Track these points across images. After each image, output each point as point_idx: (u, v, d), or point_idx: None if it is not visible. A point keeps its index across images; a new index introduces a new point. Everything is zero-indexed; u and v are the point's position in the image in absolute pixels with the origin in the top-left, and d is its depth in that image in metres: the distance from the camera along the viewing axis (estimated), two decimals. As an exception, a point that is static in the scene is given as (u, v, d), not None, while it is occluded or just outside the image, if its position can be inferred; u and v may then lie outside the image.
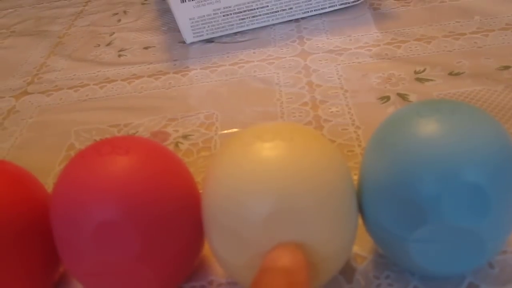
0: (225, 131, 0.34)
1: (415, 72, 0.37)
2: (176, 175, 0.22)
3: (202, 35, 0.46)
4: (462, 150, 0.19)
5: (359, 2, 0.47)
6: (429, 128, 0.20)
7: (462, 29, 0.42)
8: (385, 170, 0.20)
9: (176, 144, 0.34)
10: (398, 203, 0.20)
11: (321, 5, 0.47)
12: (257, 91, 0.38)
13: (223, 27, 0.46)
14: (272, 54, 0.42)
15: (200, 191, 0.22)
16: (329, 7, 0.47)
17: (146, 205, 0.21)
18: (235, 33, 0.46)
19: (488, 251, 0.21)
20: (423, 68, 0.37)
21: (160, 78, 0.42)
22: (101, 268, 0.21)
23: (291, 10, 0.46)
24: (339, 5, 0.47)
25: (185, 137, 0.34)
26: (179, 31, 0.46)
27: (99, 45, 0.50)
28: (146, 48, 0.48)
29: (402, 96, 0.35)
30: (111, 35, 0.52)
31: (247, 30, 0.46)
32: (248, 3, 0.45)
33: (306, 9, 0.47)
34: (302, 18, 0.47)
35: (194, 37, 0.46)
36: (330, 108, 0.34)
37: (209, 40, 0.46)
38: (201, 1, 0.44)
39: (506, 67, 0.36)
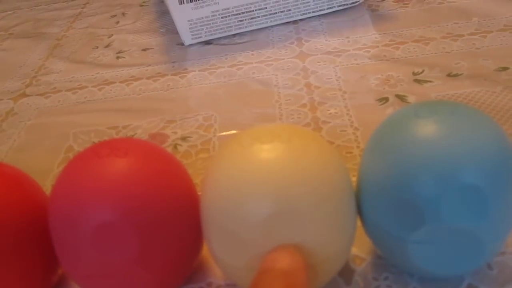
0: (224, 133, 0.34)
1: (414, 74, 0.37)
2: (175, 177, 0.22)
3: (200, 37, 0.46)
4: (460, 151, 0.19)
5: (357, 3, 0.47)
6: (427, 129, 0.20)
7: (461, 30, 0.42)
8: (383, 172, 0.20)
9: (175, 146, 0.34)
10: (397, 204, 0.20)
11: (320, 6, 0.47)
12: (255, 93, 0.38)
13: (221, 29, 0.46)
14: (271, 55, 0.42)
15: (199, 193, 0.22)
16: (328, 8, 0.47)
17: (144, 207, 0.20)
18: (234, 35, 0.46)
19: (486, 252, 0.21)
20: (421, 70, 0.37)
21: (158, 80, 0.42)
22: (100, 270, 0.21)
23: (289, 11, 0.46)
24: (337, 6, 0.47)
25: (183, 139, 0.34)
26: (177, 33, 0.46)
27: (97, 47, 0.50)
28: (144, 50, 0.48)
29: (401, 98, 0.35)
30: (109, 37, 0.52)
31: (245, 32, 0.46)
32: (247, 5, 0.45)
33: (304, 10, 0.47)
34: (301, 20, 0.47)
35: (192, 39, 0.46)
36: (328, 110, 0.34)
37: (208, 42, 0.46)
38: (200, 3, 0.44)
39: (505, 68, 0.36)
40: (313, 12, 0.47)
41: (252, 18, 0.46)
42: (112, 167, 0.21)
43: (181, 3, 0.43)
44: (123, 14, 0.57)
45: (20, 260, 0.22)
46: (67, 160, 0.33)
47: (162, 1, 0.57)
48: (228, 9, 0.45)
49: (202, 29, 0.45)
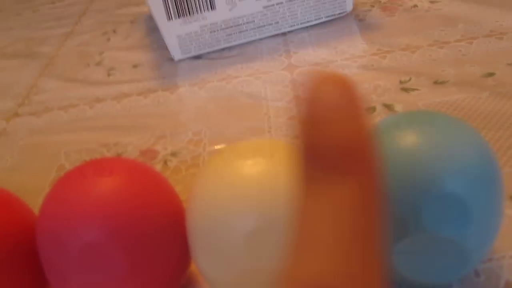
0: (213, 148, 0.34)
1: (401, 82, 0.37)
2: (161, 194, 0.22)
3: (190, 52, 0.46)
4: (441, 161, 0.19)
5: (344, 13, 0.48)
6: (407, 140, 0.20)
7: (447, 37, 0.42)
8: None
9: (165, 162, 0.34)
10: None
11: (307, 18, 0.47)
12: (244, 106, 0.38)
13: (210, 43, 0.46)
14: (259, 68, 0.43)
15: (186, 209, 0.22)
16: (315, 20, 0.47)
17: (130, 225, 0.21)
18: (223, 49, 0.47)
19: (472, 260, 0.21)
20: (408, 78, 0.38)
21: (149, 96, 0.42)
22: (88, 289, 0.21)
23: (277, 24, 0.47)
24: (325, 17, 0.48)
25: (173, 154, 0.34)
26: (167, 49, 0.46)
27: (88, 65, 0.50)
28: (135, 66, 0.48)
29: (388, 107, 0.35)
30: (100, 54, 0.52)
31: (234, 45, 0.47)
32: (235, 18, 0.45)
33: (292, 22, 0.47)
34: (289, 32, 0.48)
35: (182, 54, 0.46)
36: (317, 121, 0.35)
37: (197, 57, 0.47)
38: (188, 19, 0.44)
39: (490, 74, 0.36)
40: (301, 23, 0.47)
41: (240, 32, 0.46)
42: (98, 186, 0.21)
43: (170, 19, 0.44)
44: (114, 31, 0.57)
45: (10, 280, 0.22)
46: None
47: (152, 17, 0.57)
48: (216, 23, 0.45)
49: (191, 44, 0.46)
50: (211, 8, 0.44)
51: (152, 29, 0.55)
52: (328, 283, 0.12)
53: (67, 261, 0.21)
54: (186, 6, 0.43)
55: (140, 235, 0.21)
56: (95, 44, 0.55)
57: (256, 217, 0.19)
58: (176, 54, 0.46)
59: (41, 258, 0.22)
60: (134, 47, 0.52)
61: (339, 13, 0.48)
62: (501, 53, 0.39)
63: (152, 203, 0.21)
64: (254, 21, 0.46)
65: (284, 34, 0.48)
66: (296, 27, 0.47)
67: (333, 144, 0.13)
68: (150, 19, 0.58)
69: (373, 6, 0.50)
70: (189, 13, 0.44)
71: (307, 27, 0.48)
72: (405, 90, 0.36)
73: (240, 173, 0.20)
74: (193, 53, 0.46)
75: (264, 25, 0.46)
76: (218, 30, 0.45)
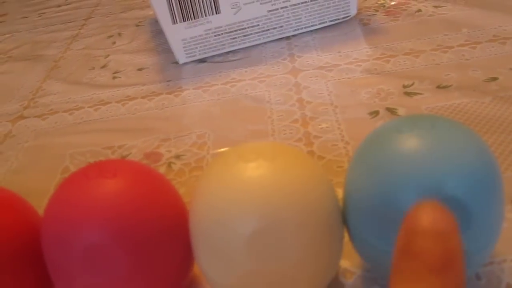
0: (217, 150, 0.35)
1: (404, 86, 0.37)
2: (164, 196, 0.22)
3: (194, 55, 0.46)
4: (441, 164, 0.19)
5: (348, 18, 0.48)
6: (408, 143, 0.20)
7: (450, 42, 0.42)
8: (366, 187, 0.20)
9: (169, 165, 0.34)
10: (381, 218, 0.20)
11: (311, 22, 0.47)
12: (248, 110, 0.38)
13: (215, 47, 0.46)
14: (263, 72, 0.43)
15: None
16: (319, 24, 0.48)
17: (134, 227, 0.21)
18: (227, 53, 0.47)
19: (472, 263, 0.21)
20: (411, 82, 0.38)
21: (153, 99, 0.42)
22: (92, 290, 0.21)
23: (281, 28, 0.47)
24: (329, 21, 0.48)
25: (177, 157, 0.35)
26: (172, 52, 0.47)
27: (94, 68, 0.51)
28: (140, 69, 0.48)
29: (391, 111, 0.35)
30: (106, 57, 0.52)
31: (238, 49, 0.47)
32: (239, 22, 0.45)
33: (296, 26, 0.47)
34: (293, 36, 0.48)
35: (186, 57, 0.46)
36: (320, 125, 0.35)
37: (202, 60, 0.47)
38: (193, 22, 0.44)
39: (493, 79, 0.36)
40: (305, 27, 0.48)
41: (245, 36, 0.46)
42: (101, 188, 0.21)
43: (175, 23, 0.44)
44: (119, 34, 0.58)
45: (15, 281, 0.22)
46: (63, 181, 0.34)
47: (157, 21, 0.58)
48: (221, 27, 0.45)
49: (196, 48, 0.46)
50: (216, 12, 0.44)
51: (157, 32, 0.56)
52: None
53: (71, 262, 0.21)
54: (191, 10, 0.44)
55: (143, 236, 0.21)
56: (100, 47, 0.55)
57: (258, 220, 0.19)
58: (181, 57, 0.46)
59: (46, 259, 0.22)
60: (139, 50, 0.52)
61: (343, 17, 0.48)
62: (504, 58, 0.39)
63: (155, 205, 0.22)
64: (258, 25, 0.46)
65: (288, 38, 0.48)
66: (300, 31, 0.48)
67: (434, 251, 0.16)
68: (155, 22, 0.59)
69: (377, 11, 0.50)
70: (194, 17, 0.44)
71: (311, 31, 0.48)
72: (408, 94, 0.36)
73: (242, 176, 0.20)
74: (198, 57, 0.47)
75: (269, 29, 0.47)
76: (222, 34, 0.46)
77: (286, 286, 0.20)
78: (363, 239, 0.21)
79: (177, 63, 0.47)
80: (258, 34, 0.47)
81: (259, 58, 0.45)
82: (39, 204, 0.25)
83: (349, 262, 0.24)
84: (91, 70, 0.50)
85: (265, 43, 0.48)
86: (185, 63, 0.47)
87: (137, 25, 0.59)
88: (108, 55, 0.53)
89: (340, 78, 0.40)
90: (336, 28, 0.48)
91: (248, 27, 0.46)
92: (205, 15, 0.44)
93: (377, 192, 0.20)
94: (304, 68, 0.43)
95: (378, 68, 0.40)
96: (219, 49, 0.47)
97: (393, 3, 0.51)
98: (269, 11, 0.46)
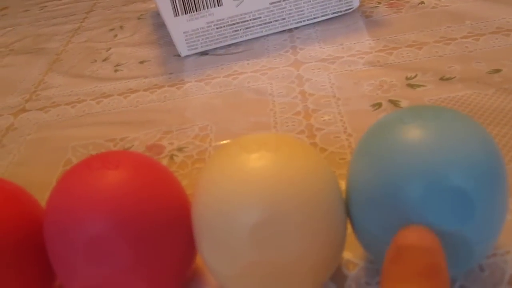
0: (219, 143, 0.34)
1: (407, 78, 0.37)
2: (166, 187, 0.22)
3: (196, 48, 0.46)
4: (444, 154, 0.19)
5: (351, 10, 0.48)
6: (412, 134, 0.20)
7: (453, 34, 0.42)
8: (370, 177, 0.20)
9: (171, 157, 0.34)
10: (384, 209, 0.20)
11: (314, 14, 0.47)
12: (250, 102, 0.38)
13: (217, 39, 0.46)
14: (266, 64, 0.43)
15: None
16: (322, 16, 0.47)
17: (137, 218, 0.21)
18: (229, 45, 0.47)
19: (476, 254, 0.21)
20: (414, 74, 0.38)
21: (155, 92, 0.42)
22: (95, 281, 0.21)
23: (284, 20, 0.47)
24: (331, 14, 0.48)
25: (180, 149, 0.35)
26: (174, 45, 0.47)
27: (95, 61, 0.50)
28: (142, 62, 0.48)
29: (394, 103, 0.35)
30: (107, 50, 0.52)
31: (240, 41, 0.47)
32: (241, 15, 0.45)
33: (298, 19, 0.47)
34: (295, 28, 0.48)
35: (188, 50, 0.46)
36: (322, 117, 0.35)
37: (204, 53, 0.47)
38: (194, 15, 0.44)
39: (497, 71, 0.36)
40: (307, 20, 0.47)
41: (247, 28, 0.46)
42: (104, 179, 0.21)
43: (176, 15, 0.44)
44: (121, 27, 0.58)
45: (17, 273, 0.22)
46: (65, 174, 0.34)
47: (159, 14, 0.57)
48: (223, 19, 0.45)
49: (198, 40, 0.46)
50: (218, 4, 0.44)
51: (159, 25, 0.55)
52: None
53: (73, 253, 0.21)
54: (193, 2, 0.44)
55: (146, 228, 0.21)
56: (102, 40, 0.55)
57: (261, 211, 0.19)
58: (183, 50, 0.46)
59: (48, 250, 0.22)
60: (141, 43, 0.52)
61: (345, 10, 0.48)
62: (507, 50, 0.39)
63: (158, 196, 0.22)
64: (260, 17, 0.46)
65: (290, 30, 0.48)
66: (302, 23, 0.47)
67: (422, 261, 0.18)
68: (157, 15, 0.58)
69: (379, 3, 0.50)
70: (196, 10, 0.44)
71: (313, 23, 0.48)
72: (411, 86, 0.36)
73: (245, 167, 0.20)
74: (200, 49, 0.46)
75: (271, 22, 0.46)
76: (224, 26, 0.46)
77: (289, 277, 0.20)
78: (366, 230, 0.21)
79: (179, 55, 0.47)
80: (260, 26, 0.47)
81: (261, 51, 0.45)
82: (42, 197, 0.25)
83: (352, 254, 0.24)
84: (93, 63, 0.50)
85: (267, 35, 0.47)
86: (187, 56, 0.47)
87: (139, 18, 0.59)
88: (110, 48, 0.53)
89: (343, 70, 0.40)
90: (338, 20, 0.48)
91: (250, 20, 0.46)
92: (207, 8, 0.44)
93: (381, 183, 0.20)
94: (307, 60, 0.42)
95: (381, 60, 0.40)
96: (221, 42, 0.46)
97: (396, -5, 0.51)
98: (271, 3, 0.45)
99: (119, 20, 0.60)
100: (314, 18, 0.47)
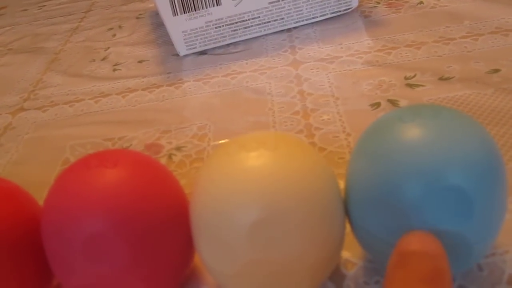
0: (218, 142, 0.34)
1: (406, 78, 0.37)
2: (164, 186, 0.22)
3: (195, 47, 0.46)
4: (443, 154, 0.19)
5: (350, 10, 0.48)
6: (411, 133, 0.20)
7: (452, 34, 0.42)
8: (369, 176, 0.20)
9: (170, 156, 0.34)
10: (383, 208, 0.20)
11: (312, 14, 0.47)
12: (249, 101, 0.38)
13: (215, 39, 0.46)
14: (264, 64, 0.43)
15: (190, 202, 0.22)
16: (321, 16, 0.47)
17: (134, 217, 0.21)
18: (228, 45, 0.47)
19: (475, 253, 0.21)
20: (413, 74, 0.38)
21: (154, 91, 0.42)
22: (92, 280, 0.21)
23: (282, 20, 0.47)
24: (330, 13, 0.48)
25: (178, 148, 0.34)
26: (172, 44, 0.46)
27: (94, 60, 0.50)
28: (140, 61, 0.48)
29: (393, 102, 0.35)
30: (106, 50, 0.52)
31: (239, 41, 0.47)
32: (240, 14, 0.45)
33: (297, 18, 0.47)
34: (294, 28, 0.48)
35: (187, 49, 0.46)
36: (321, 116, 0.35)
37: (202, 52, 0.47)
38: (193, 14, 0.44)
39: (496, 71, 0.36)
40: (306, 20, 0.47)
41: (245, 28, 0.46)
42: (102, 178, 0.21)
43: (175, 15, 0.44)
44: (120, 26, 0.58)
45: (15, 271, 0.22)
46: (63, 173, 0.34)
47: (158, 13, 0.57)
48: (221, 19, 0.45)
49: (197, 40, 0.46)
50: (217, 4, 0.44)
51: (158, 24, 0.55)
52: None
53: (71, 252, 0.21)
54: (192, 1, 0.43)
55: (144, 226, 0.21)
56: (100, 39, 0.55)
57: (259, 209, 0.19)
58: (181, 49, 0.46)
59: (46, 249, 0.22)
60: (139, 42, 0.52)
61: (344, 10, 0.48)
62: (506, 50, 0.39)
63: (156, 195, 0.22)
64: (259, 17, 0.46)
65: (289, 30, 0.48)
66: (301, 23, 0.47)
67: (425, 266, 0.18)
68: (155, 15, 0.58)
69: (378, 3, 0.50)
70: (195, 9, 0.44)
71: (312, 23, 0.48)
72: (410, 86, 0.36)
73: (243, 166, 0.20)
74: (198, 49, 0.46)
75: (270, 21, 0.46)
76: (223, 26, 0.45)
77: (288, 276, 0.20)
78: (364, 229, 0.21)
79: (177, 55, 0.47)
80: (259, 26, 0.46)
81: (260, 50, 0.45)
82: (40, 196, 0.25)
83: (351, 253, 0.24)
84: (92, 62, 0.50)
85: (266, 35, 0.47)
86: (186, 55, 0.47)
87: (137, 18, 0.59)
88: (109, 48, 0.53)
89: (342, 70, 0.40)
90: (337, 20, 0.48)
91: (249, 19, 0.46)
92: (206, 7, 0.44)
93: (379, 182, 0.20)
94: (305, 60, 0.42)
95: (379, 60, 0.40)
96: (220, 41, 0.46)
97: (394, -5, 0.51)
98: (270, 3, 0.45)
99: (117, 20, 0.60)
100: (313, 18, 0.47)
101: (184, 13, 0.44)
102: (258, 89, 0.39)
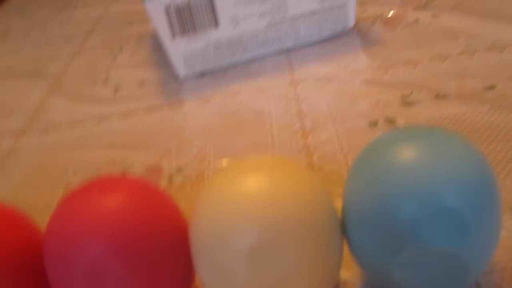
0: (218, 164, 0.35)
1: (402, 96, 0.38)
2: (164, 211, 0.23)
3: (194, 69, 0.47)
4: (437, 175, 0.20)
5: (347, 29, 0.48)
6: (404, 155, 0.20)
7: (448, 51, 0.43)
8: (364, 198, 0.21)
9: (170, 178, 0.34)
10: (379, 229, 0.20)
11: (310, 34, 0.48)
12: (248, 122, 0.39)
13: (215, 60, 0.47)
14: (263, 84, 0.43)
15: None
16: (318, 35, 0.48)
17: (135, 242, 0.21)
18: (227, 65, 0.48)
19: (472, 272, 0.21)
20: (410, 92, 0.38)
21: (154, 113, 0.43)
22: (94, 305, 0.22)
23: (280, 40, 0.47)
24: (327, 33, 0.48)
25: (179, 171, 0.35)
26: (173, 66, 0.47)
27: (95, 83, 0.51)
28: (141, 84, 0.49)
29: (390, 121, 0.35)
30: (107, 72, 0.53)
31: (238, 62, 0.48)
32: (238, 35, 0.46)
33: (295, 38, 0.48)
34: (292, 48, 0.48)
35: (187, 71, 0.47)
36: (319, 136, 0.35)
37: (202, 73, 0.47)
38: (192, 36, 0.45)
39: (491, 87, 0.37)
40: (304, 39, 0.48)
41: (244, 48, 0.47)
42: (102, 204, 0.22)
43: (174, 37, 0.44)
44: (121, 49, 0.58)
45: (18, 298, 0.23)
46: (66, 197, 0.34)
47: (158, 35, 0.58)
48: (220, 40, 0.46)
49: (196, 61, 0.46)
50: (215, 26, 0.45)
51: (158, 46, 0.56)
52: None
53: (73, 278, 0.21)
54: (190, 24, 0.44)
55: (145, 252, 0.21)
56: (102, 62, 0.56)
57: (257, 233, 0.19)
58: (181, 71, 0.47)
59: (48, 275, 0.22)
60: (140, 64, 0.53)
61: (341, 29, 0.48)
62: (502, 66, 0.39)
63: (156, 220, 0.22)
64: (257, 37, 0.47)
65: (287, 50, 0.48)
66: (299, 42, 0.48)
67: None
68: (156, 36, 0.59)
69: (375, 21, 0.51)
70: (194, 31, 0.45)
71: (310, 43, 0.48)
72: (407, 104, 0.37)
73: (241, 190, 0.20)
74: (198, 70, 0.47)
75: (268, 42, 0.47)
76: (222, 47, 0.46)
77: (286, 299, 0.20)
78: (362, 250, 0.21)
79: (177, 77, 0.47)
80: (257, 46, 0.47)
81: (259, 70, 0.46)
82: (43, 219, 0.25)
83: (349, 273, 0.25)
84: (93, 85, 0.51)
85: (264, 55, 0.48)
86: (186, 77, 0.47)
87: (138, 39, 0.60)
88: (110, 70, 0.53)
89: (339, 89, 0.40)
90: (334, 39, 0.48)
91: (247, 40, 0.46)
92: (205, 29, 0.45)
93: (375, 204, 0.20)
94: (303, 79, 0.43)
95: (376, 79, 0.41)
96: (219, 62, 0.47)
97: (391, 13, 0.52)
98: (268, 23, 0.46)
99: (118, 42, 0.60)
100: (310, 37, 0.48)
101: (183, 35, 0.45)
102: (257, 109, 0.40)
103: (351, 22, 0.48)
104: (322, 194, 0.21)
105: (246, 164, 0.21)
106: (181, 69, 0.47)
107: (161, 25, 0.44)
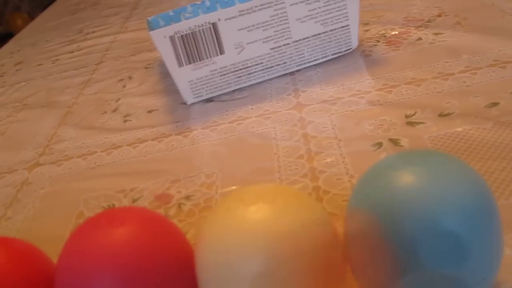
0: (225, 189, 0.35)
1: (406, 116, 0.38)
2: (170, 241, 0.23)
3: (201, 96, 0.48)
4: (436, 199, 0.20)
5: (350, 50, 0.49)
6: (403, 180, 0.21)
7: (451, 69, 0.43)
8: (365, 224, 0.21)
9: (179, 206, 0.35)
10: (381, 253, 0.21)
11: (314, 56, 0.49)
12: (255, 147, 0.39)
13: (221, 86, 0.48)
14: (269, 108, 0.44)
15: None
16: (322, 58, 0.49)
17: (143, 272, 0.22)
18: (233, 91, 0.48)
19: (476, 293, 0.21)
20: (413, 112, 0.38)
21: (163, 141, 0.44)
22: (105, 336, 0.22)
23: (285, 64, 0.48)
24: (331, 55, 0.49)
25: (187, 198, 0.35)
26: (180, 93, 0.48)
27: (105, 112, 0.52)
28: (150, 111, 0.50)
29: (394, 142, 0.36)
30: (117, 101, 0.54)
31: (244, 87, 0.48)
32: (243, 61, 0.47)
33: (299, 61, 0.48)
34: (297, 71, 0.49)
35: (194, 98, 0.48)
36: (325, 159, 0.36)
37: (209, 100, 0.48)
38: (198, 64, 0.46)
39: (494, 104, 0.37)
40: (308, 62, 0.49)
41: (249, 74, 0.48)
42: (110, 236, 0.22)
43: (181, 66, 0.45)
44: (130, 77, 0.59)
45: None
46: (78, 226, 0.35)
47: (166, 62, 0.59)
48: (226, 67, 0.47)
49: (203, 88, 0.47)
50: (220, 53, 0.46)
51: (166, 73, 0.57)
52: None
53: (84, 309, 0.22)
54: (196, 52, 0.45)
55: (152, 281, 0.22)
56: (111, 91, 0.57)
57: (260, 260, 0.20)
58: (189, 98, 0.48)
59: (60, 307, 0.23)
60: (148, 92, 0.54)
61: (345, 50, 0.49)
62: (504, 82, 0.39)
63: (162, 250, 0.23)
64: (262, 62, 0.47)
65: (292, 73, 0.49)
66: (303, 65, 0.49)
67: None
68: (163, 64, 0.60)
69: (378, 41, 0.51)
70: (199, 59, 0.45)
71: (314, 65, 0.49)
72: (411, 124, 0.37)
73: (243, 219, 0.21)
74: (205, 97, 0.48)
75: (272, 66, 0.48)
76: (228, 73, 0.47)
77: (291, 326, 0.21)
78: (365, 275, 0.22)
79: (185, 103, 0.48)
80: (263, 71, 0.48)
81: (264, 95, 0.46)
82: (56, 250, 0.26)
83: (356, 297, 0.25)
84: (103, 114, 0.52)
85: (269, 79, 0.49)
86: (193, 103, 0.48)
87: (146, 68, 0.61)
88: (119, 99, 0.54)
89: (344, 111, 0.41)
90: (338, 60, 0.49)
91: (252, 65, 0.47)
92: (210, 56, 0.46)
93: (375, 230, 0.21)
94: (308, 102, 0.44)
95: (380, 99, 0.41)
96: (225, 88, 0.48)
97: (394, 32, 0.52)
98: (272, 48, 0.47)
99: (127, 70, 0.62)
100: (314, 60, 0.49)
101: (190, 63, 0.46)
102: (263, 134, 0.41)
103: (354, 43, 0.49)
104: (323, 220, 0.22)
105: (248, 193, 0.22)
106: (188, 96, 0.47)
107: (166, 53, 0.45)
